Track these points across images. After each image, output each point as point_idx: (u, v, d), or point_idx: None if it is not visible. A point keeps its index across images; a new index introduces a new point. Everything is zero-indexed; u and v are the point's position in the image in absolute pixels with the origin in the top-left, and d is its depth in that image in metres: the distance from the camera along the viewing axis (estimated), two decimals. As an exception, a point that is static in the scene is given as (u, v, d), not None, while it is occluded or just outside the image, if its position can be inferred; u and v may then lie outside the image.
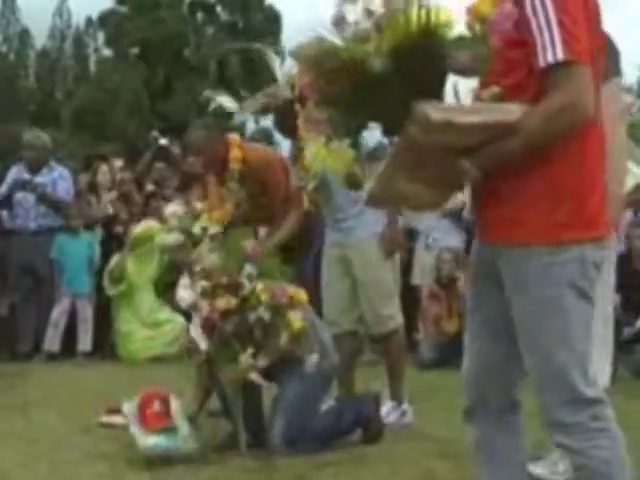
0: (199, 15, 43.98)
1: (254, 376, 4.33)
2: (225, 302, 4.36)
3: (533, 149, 2.37)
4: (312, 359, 4.45)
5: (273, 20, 41.78)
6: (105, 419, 5.16)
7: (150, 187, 9.70)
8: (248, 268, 4.49)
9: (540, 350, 2.48)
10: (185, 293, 4.60)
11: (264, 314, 4.36)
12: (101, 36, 45.99)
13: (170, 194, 9.34)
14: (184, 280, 4.64)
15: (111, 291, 8.57)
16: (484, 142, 2.35)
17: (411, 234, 8.51)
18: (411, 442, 4.66)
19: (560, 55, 2.30)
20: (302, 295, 4.53)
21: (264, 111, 4.63)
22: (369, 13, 2.48)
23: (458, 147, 2.35)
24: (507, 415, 2.66)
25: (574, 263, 2.41)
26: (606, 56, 3.69)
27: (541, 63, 2.33)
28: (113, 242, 8.97)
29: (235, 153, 5.21)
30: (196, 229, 5.91)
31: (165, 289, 8.52)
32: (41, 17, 47.92)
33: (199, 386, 4.73)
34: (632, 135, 4.90)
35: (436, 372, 7.04)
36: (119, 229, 9.04)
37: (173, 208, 8.43)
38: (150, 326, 8.48)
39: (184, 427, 4.36)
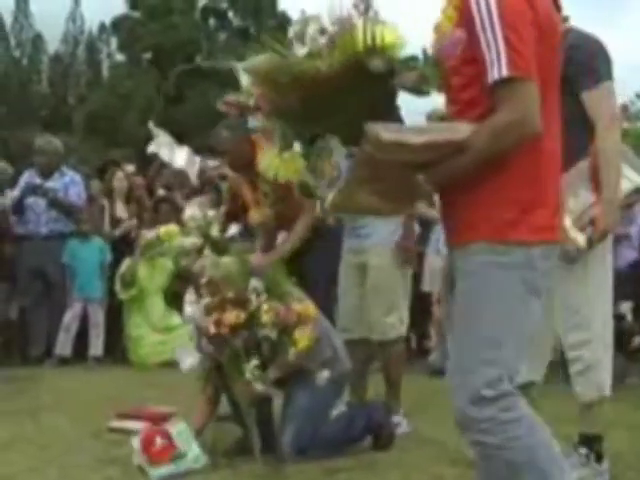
0: (211, 21, 44.11)
1: (260, 387, 4.31)
2: (234, 316, 4.35)
3: (483, 165, 2.42)
4: (323, 375, 4.44)
5: (285, 26, 41.89)
6: (116, 424, 5.16)
7: (160, 192, 9.73)
8: (254, 282, 4.49)
9: (470, 346, 2.50)
10: (191, 309, 4.61)
11: (271, 333, 4.36)
12: (114, 41, 46.19)
13: (181, 200, 9.38)
14: (190, 295, 4.65)
15: (122, 295, 8.59)
16: (437, 158, 2.43)
17: (422, 239, 8.50)
18: (421, 449, 4.65)
19: (504, 72, 2.33)
20: (310, 310, 4.50)
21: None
22: (323, 31, 2.58)
23: (412, 164, 2.44)
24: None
25: (518, 267, 2.44)
26: (597, 61, 3.76)
27: (489, 79, 2.36)
28: (124, 246, 8.98)
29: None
30: (214, 232, 5.92)
31: (173, 299, 8.57)
32: (54, 22, 48.26)
33: (205, 398, 4.68)
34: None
35: (446, 379, 7.00)
36: (132, 234, 9.07)
37: (192, 211, 8.49)
38: (161, 331, 8.49)
39: (192, 448, 4.35)
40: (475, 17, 2.38)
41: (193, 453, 4.33)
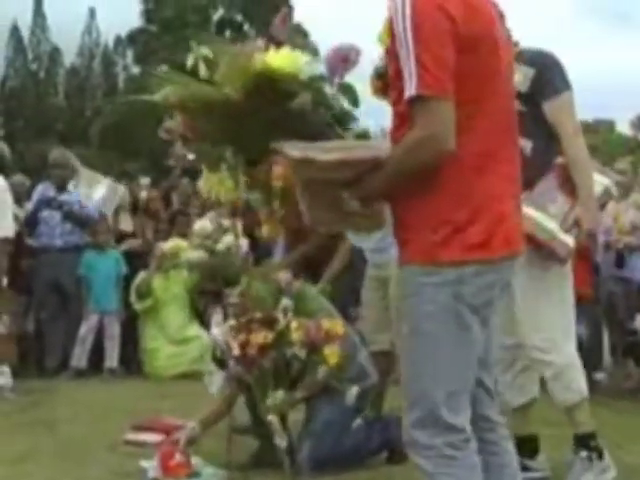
0: (227, 33, 44.27)
1: (274, 419, 4.31)
2: (262, 337, 4.35)
3: (400, 182, 2.44)
4: (352, 392, 4.43)
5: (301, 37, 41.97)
6: (131, 436, 5.17)
7: (176, 204, 9.75)
8: (284, 301, 4.49)
9: (409, 368, 2.51)
10: (217, 330, 4.62)
11: (299, 352, 4.36)
12: (130, 54, 46.41)
13: (196, 211, 9.39)
14: (217, 316, 4.68)
15: (138, 306, 8.61)
16: (357, 176, 2.45)
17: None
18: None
19: (413, 90, 2.32)
20: (339, 326, 4.49)
21: None
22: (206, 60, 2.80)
23: (334, 181, 2.47)
24: (486, 434, 2.62)
25: (450, 285, 2.42)
26: (553, 73, 3.85)
27: (404, 97, 2.36)
28: (137, 259, 9.00)
29: (277, 170, 5.15)
30: (220, 246, 5.91)
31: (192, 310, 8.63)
32: (70, 35, 48.53)
33: (222, 398, 4.67)
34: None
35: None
36: (142, 248, 9.09)
37: (202, 224, 8.49)
38: (177, 343, 8.49)
39: (207, 468, 4.36)
40: (395, 34, 2.37)
41: (207, 473, 4.35)
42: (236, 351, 4.33)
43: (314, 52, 2.76)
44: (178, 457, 4.31)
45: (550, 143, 3.88)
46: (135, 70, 46.06)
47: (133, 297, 8.60)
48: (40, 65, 49.54)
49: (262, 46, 2.75)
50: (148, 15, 43.17)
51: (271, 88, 2.60)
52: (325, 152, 2.45)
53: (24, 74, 48.42)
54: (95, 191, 9.08)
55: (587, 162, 3.93)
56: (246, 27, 44.41)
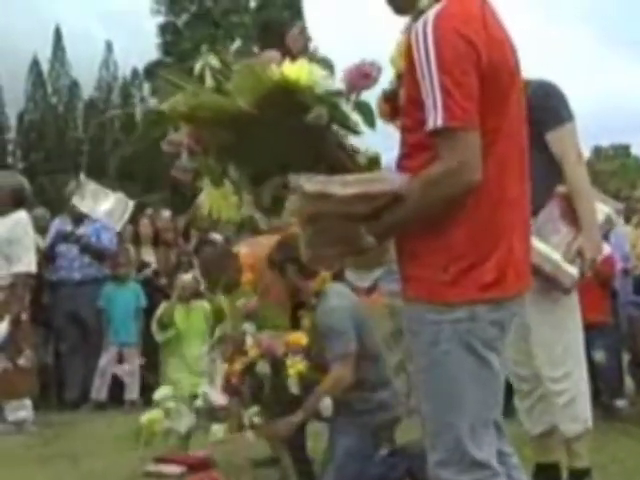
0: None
1: (251, 437, 4.33)
2: (239, 364, 4.40)
3: (422, 216, 2.37)
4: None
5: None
6: (152, 468, 5.17)
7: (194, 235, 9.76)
8: (247, 326, 4.53)
9: (430, 408, 2.46)
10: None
11: (263, 368, 4.37)
12: (147, 87, 46.75)
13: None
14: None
15: (159, 337, 8.62)
16: (375, 210, 2.37)
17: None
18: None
19: (440, 122, 2.26)
20: (302, 339, 4.49)
21: None
22: (212, 70, 2.76)
23: (351, 216, 2.40)
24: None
25: (463, 322, 2.37)
26: (557, 104, 3.87)
27: (427, 128, 2.30)
28: (158, 291, 9.03)
29: (247, 277, 5.17)
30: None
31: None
32: (88, 68, 48.95)
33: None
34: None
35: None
36: (162, 281, 9.11)
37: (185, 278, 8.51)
38: (198, 374, 8.49)
39: None
40: (416, 63, 2.32)
41: None
42: (221, 398, 4.41)
43: (330, 68, 2.73)
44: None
45: (551, 172, 3.88)
46: (152, 102, 46.34)
47: (155, 328, 8.62)
48: (59, 99, 49.96)
49: (278, 57, 2.71)
50: (165, 47, 43.50)
51: (286, 100, 2.53)
52: (343, 185, 2.38)
53: (44, 107, 48.83)
54: (101, 204, 9.10)
55: (589, 192, 3.96)
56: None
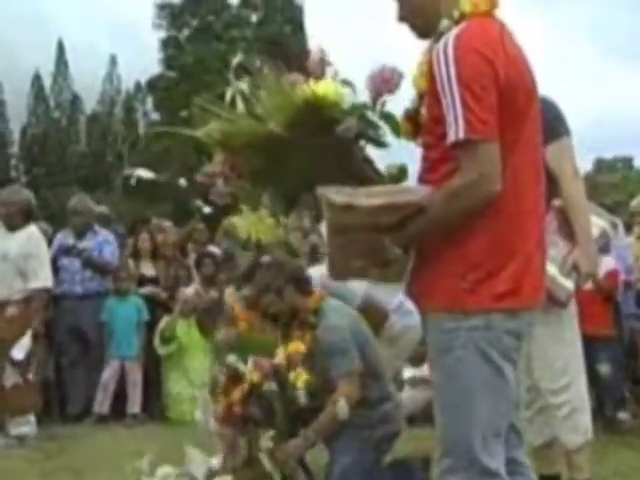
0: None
1: (268, 465, 4.34)
2: (238, 391, 4.43)
3: (444, 227, 2.45)
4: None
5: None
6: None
7: (192, 251, 9.76)
8: (229, 358, 4.58)
9: (444, 414, 2.52)
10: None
11: (270, 387, 4.40)
12: (150, 101, 46.83)
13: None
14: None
15: (162, 351, 8.63)
16: (399, 221, 2.46)
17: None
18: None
19: (461, 134, 2.35)
20: (300, 346, 4.51)
21: None
22: (243, 95, 2.86)
23: (377, 227, 2.48)
24: (516, 477, 2.62)
25: (479, 330, 2.43)
26: (554, 119, 3.91)
27: (448, 141, 2.39)
28: (159, 305, 9.05)
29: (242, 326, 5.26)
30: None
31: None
32: (91, 82, 49.09)
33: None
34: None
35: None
36: (162, 295, 9.12)
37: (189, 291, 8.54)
38: (200, 387, 8.48)
39: None
40: (437, 79, 2.42)
41: None
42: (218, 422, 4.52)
43: (351, 86, 2.81)
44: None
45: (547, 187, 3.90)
46: (154, 116, 46.47)
47: (157, 342, 8.64)
48: (62, 113, 50.07)
49: (301, 80, 2.78)
50: (168, 62, 43.63)
51: (315, 116, 2.63)
52: (369, 197, 2.46)
53: (46, 122, 48.96)
54: None
55: (585, 206, 3.98)
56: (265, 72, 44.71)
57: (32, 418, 7.16)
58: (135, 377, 8.57)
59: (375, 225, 2.47)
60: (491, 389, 2.46)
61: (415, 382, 7.24)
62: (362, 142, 2.79)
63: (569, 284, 3.89)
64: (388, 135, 2.82)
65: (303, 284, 4.63)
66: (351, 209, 2.44)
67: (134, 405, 8.50)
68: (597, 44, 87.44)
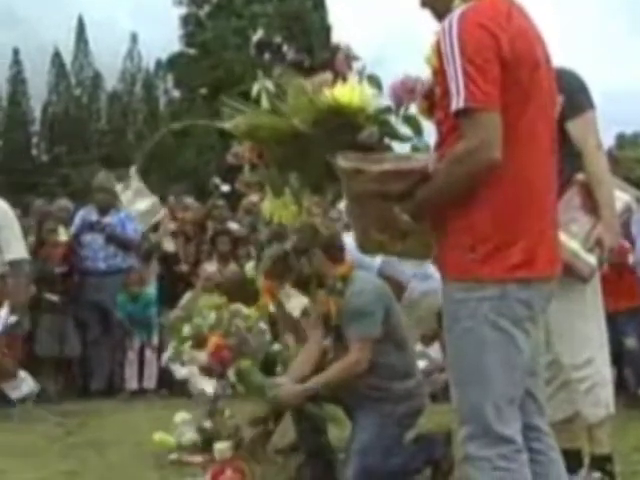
0: (266, 55, 44.49)
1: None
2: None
3: (448, 193, 2.51)
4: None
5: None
6: (178, 457, 5.20)
7: (211, 229, 9.79)
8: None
9: (457, 384, 2.58)
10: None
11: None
12: (170, 78, 46.79)
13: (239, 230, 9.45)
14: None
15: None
16: (407, 188, 2.54)
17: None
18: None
19: (461, 103, 2.41)
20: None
21: None
22: (268, 92, 2.97)
23: (385, 195, 2.56)
24: (533, 443, 2.66)
25: (492, 300, 2.47)
26: (578, 92, 3.85)
27: (451, 110, 2.45)
28: (178, 281, 9.08)
29: (263, 301, 5.46)
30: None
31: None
32: (112, 60, 49.10)
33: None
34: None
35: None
36: (183, 268, 9.15)
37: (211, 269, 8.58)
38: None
39: None
40: (442, 53, 2.48)
41: None
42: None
43: (377, 84, 2.87)
44: (229, 473, 4.35)
45: (570, 159, 3.76)
46: (175, 94, 46.45)
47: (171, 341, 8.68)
48: (83, 90, 50.14)
49: (330, 79, 2.85)
50: (188, 39, 43.53)
51: (338, 120, 2.71)
52: (374, 163, 2.55)
53: (67, 99, 49.05)
54: (139, 203, 9.16)
55: (609, 179, 3.93)
56: (285, 48, 44.64)
57: (23, 375, 7.18)
58: (150, 357, 8.70)
59: (384, 193, 2.55)
60: (502, 358, 2.50)
61: (428, 372, 7.20)
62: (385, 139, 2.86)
63: (592, 259, 3.84)
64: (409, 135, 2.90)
65: (333, 251, 4.61)
66: (359, 174, 2.54)
67: (150, 379, 8.63)
68: (621, 21, 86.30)
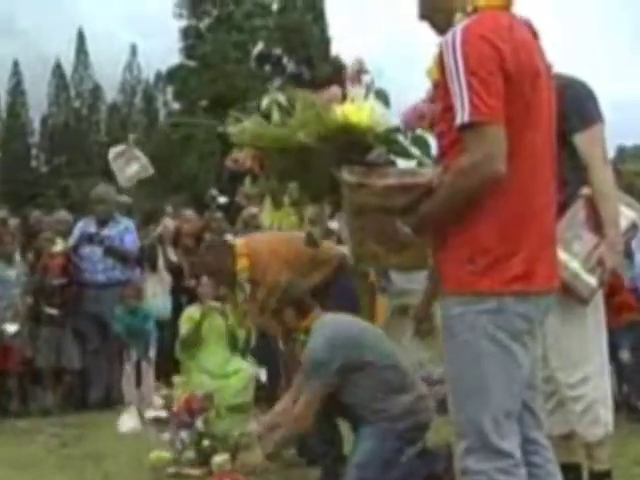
0: (266, 68, 44.59)
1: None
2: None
3: (452, 206, 2.50)
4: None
5: (339, 70, 42.14)
6: (176, 469, 5.18)
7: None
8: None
9: (454, 398, 2.58)
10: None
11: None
12: (170, 90, 46.88)
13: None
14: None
15: (181, 356, 8.65)
16: (410, 203, 2.56)
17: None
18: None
19: (466, 117, 2.41)
20: None
21: None
22: (279, 105, 2.98)
23: (388, 209, 2.58)
24: (531, 457, 2.65)
25: (489, 314, 2.47)
26: (586, 103, 3.80)
27: (455, 125, 2.45)
28: (183, 294, 9.06)
29: (242, 263, 5.38)
30: None
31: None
32: (111, 72, 49.20)
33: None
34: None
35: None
36: (190, 282, 9.13)
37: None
38: (218, 378, 8.49)
39: None
40: (445, 66, 2.49)
41: None
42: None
43: (385, 99, 2.88)
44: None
45: (576, 173, 3.74)
46: (175, 106, 46.53)
47: (178, 348, 8.66)
48: (83, 102, 50.22)
49: (339, 94, 2.88)
50: (188, 51, 43.62)
51: (346, 140, 2.74)
52: (379, 177, 2.57)
53: (67, 111, 49.12)
54: (128, 169, 9.06)
55: (614, 195, 3.84)
56: (285, 61, 44.75)
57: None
58: (148, 376, 8.63)
59: (387, 207, 2.57)
60: (500, 371, 2.50)
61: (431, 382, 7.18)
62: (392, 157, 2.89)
63: (592, 280, 3.73)
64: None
65: (303, 307, 4.79)
66: (363, 187, 2.55)
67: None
68: (622, 32, 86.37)
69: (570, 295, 3.67)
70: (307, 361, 4.51)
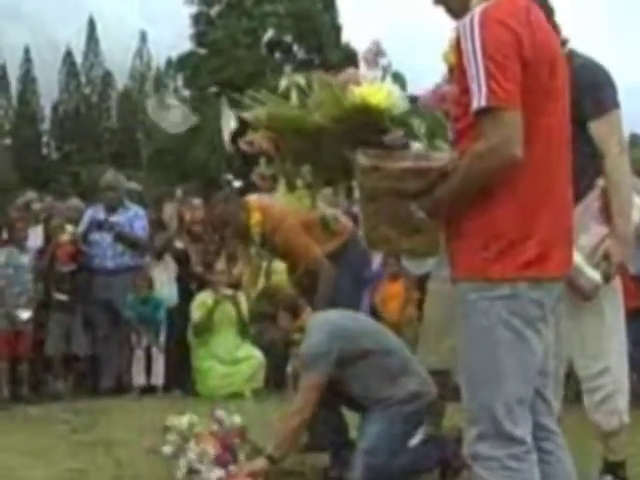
0: (277, 54, 44.53)
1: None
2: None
3: (468, 190, 2.50)
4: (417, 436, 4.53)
5: (350, 57, 42.09)
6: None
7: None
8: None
9: (468, 383, 2.58)
10: None
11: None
12: (180, 77, 46.85)
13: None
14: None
15: (194, 341, 8.67)
16: (426, 186, 2.55)
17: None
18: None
19: (483, 102, 2.41)
20: None
21: None
22: (298, 87, 2.95)
23: (403, 192, 2.57)
24: (541, 443, 2.66)
25: (503, 299, 2.48)
26: (604, 89, 3.73)
27: (472, 109, 2.45)
28: (191, 280, 9.09)
29: (255, 217, 5.37)
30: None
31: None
32: (122, 59, 49.23)
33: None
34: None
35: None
36: (198, 269, 9.13)
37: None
38: (228, 363, 8.53)
39: None
40: (463, 51, 2.48)
41: None
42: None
43: (402, 82, 2.88)
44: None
45: (594, 161, 3.64)
46: (185, 93, 46.50)
47: (190, 334, 8.69)
48: (93, 89, 50.27)
49: (356, 76, 2.86)
50: (198, 38, 43.56)
51: (363, 121, 2.72)
52: (394, 160, 2.56)
53: (77, 98, 49.18)
54: (172, 115, 9.01)
55: (629, 186, 3.71)
56: (295, 48, 44.66)
57: None
58: (157, 362, 8.68)
59: (401, 190, 2.56)
60: (515, 357, 2.50)
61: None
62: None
63: (596, 275, 3.63)
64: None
65: (296, 308, 4.86)
66: (376, 171, 2.55)
67: (157, 377, 8.63)
68: None
69: (572, 290, 3.56)
70: (305, 355, 4.54)
